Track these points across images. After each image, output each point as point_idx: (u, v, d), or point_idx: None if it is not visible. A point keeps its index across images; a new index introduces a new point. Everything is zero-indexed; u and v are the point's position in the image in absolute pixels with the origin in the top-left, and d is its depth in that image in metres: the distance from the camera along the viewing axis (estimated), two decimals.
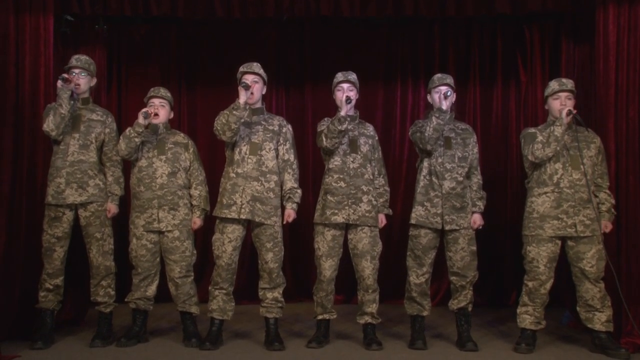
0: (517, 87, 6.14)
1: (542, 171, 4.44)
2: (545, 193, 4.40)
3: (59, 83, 4.49)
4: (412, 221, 4.57)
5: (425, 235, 4.52)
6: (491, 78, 6.17)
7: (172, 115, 4.76)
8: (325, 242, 4.49)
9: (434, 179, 4.52)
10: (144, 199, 4.53)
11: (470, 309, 4.56)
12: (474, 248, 4.55)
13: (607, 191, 4.45)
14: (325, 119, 4.60)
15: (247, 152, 4.46)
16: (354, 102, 4.50)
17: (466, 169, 4.56)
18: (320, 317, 4.59)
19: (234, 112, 4.32)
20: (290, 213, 4.56)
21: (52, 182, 4.57)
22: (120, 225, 5.05)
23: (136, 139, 4.46)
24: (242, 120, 4.39)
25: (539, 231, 4.39)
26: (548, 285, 4.41)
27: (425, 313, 4.61)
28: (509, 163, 6.08)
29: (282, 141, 4.58)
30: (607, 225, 4.41)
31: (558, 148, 4.34)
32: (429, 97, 4.67)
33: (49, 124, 4.49)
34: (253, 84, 4.46)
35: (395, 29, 6.21)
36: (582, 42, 5.28)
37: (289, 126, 4.67)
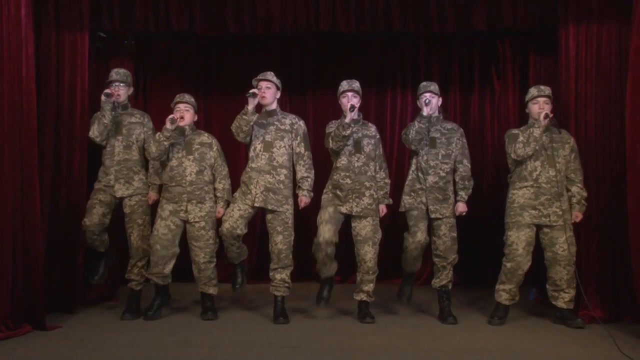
0: (491, 95, 6.33)
1: (523, 168, 4.59)
2: (526, 187, 4.58)
3: (103, 97, 4.72)
4: (402, 209, 4.81)
5: (415, 211, 4.73)
6: (469, 86, 6.35)
7: (196, 118, 4.85)
8: (327, 213, 4.62)
9: (420, 174, 4.74)
10: (175, 192, 4.69)
11: (450, 287, 4.76)
12: (455, 234, 4.75)
13: (579, 185, 4.61)
14: (333, 121, 4.74)
15: (261, 150, 4.67)
16: (357, 108, 4.60)
17: (449, 165, 4.74)
18: (323, 276, 4.70)
19: (244, 117, 4.59)
20: (302, 199, 4.72)
21: (103, 179, 4.84)
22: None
23: (165, 143, 4.60)
24: (252, 123, 4.60)
25: (519, 218, 4.56)
26: (525, 267, 4.57)
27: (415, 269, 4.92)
28: (484, 161, 6.26)
29: (294, 136, 4.74)
30: (577, 216, 4.60)
31: (537, 147, 4.50)
32: (418, 102, 4.79)
33: (94, 132, 4.75)
34: (266, 89, 4.66)
35: (386, 43, 6.35)
36: (547, 56, 5.44)
37: (301, 122, 4.81)
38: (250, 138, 4.72)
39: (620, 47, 4.68)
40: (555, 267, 4.57)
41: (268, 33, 5.38)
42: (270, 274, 4.75)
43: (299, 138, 4.76)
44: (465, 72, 6.35)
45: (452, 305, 4.79)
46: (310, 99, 6.45)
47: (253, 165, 4.70)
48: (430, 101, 4.65)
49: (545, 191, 4.53)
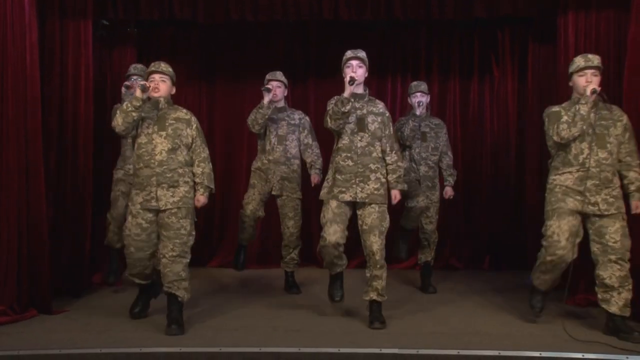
0: (490, 82, 6.35)
1: (567, 152, 3.96)
2: (570, 172, 3.95)
3: (123, 89, 4.88)
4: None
5: (412, 180, 4.97)
6: (469, 73, 6.37)
7: (174, 91, 4.16)
8: (330, 210, 4.09)
9: (413, 165, 5.06)
10: (142, 176, 3.98)
11: (432, 263, 5.24)
12: (437, 217, 5.18)
13: (637, 169, 3.94)
14: (335, 97, 4.09)
15: (276, 143, 5.03)
16: (361, 80, 4.10)
17: (437, 157, 5.15)
18: (333, 273, 4.31)
19: (260, 110, 4.89)
20: (315, 177, 5.07)
21: (124, 167, 5.05)
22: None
23: (133, 114, 3.92)
24: (267, 116, 4.88)
25: (561, 204, 3.92)
26: (569, 260, 3.89)
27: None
28: (483, 146, 6.31)
29: (302, 130, 5.12)
30: (638, 206, 3.93)
31: (584, 127, 3.87)
32: (408, 99, 5.14)
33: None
34: (276, 88, 4.99)
35: (387, 32, 6.35)
36: (546, 43, 5.50)
37: (307, 117, 5.19)
38: (264, 130, 5.02)
39: (619, 35, 4.65)
40: (605, 263, 3.86)
41: (270, 21, 5.40)
42: (283, 252, 5.15)
43: (306, 131, 5.13)
44: (465, 60, 6.39)
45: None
46: (311, 87, 6.47)
47: (270, 157, 5.05)
48: (423, 102, 5.01)
49: (594, 175, 3.86)
